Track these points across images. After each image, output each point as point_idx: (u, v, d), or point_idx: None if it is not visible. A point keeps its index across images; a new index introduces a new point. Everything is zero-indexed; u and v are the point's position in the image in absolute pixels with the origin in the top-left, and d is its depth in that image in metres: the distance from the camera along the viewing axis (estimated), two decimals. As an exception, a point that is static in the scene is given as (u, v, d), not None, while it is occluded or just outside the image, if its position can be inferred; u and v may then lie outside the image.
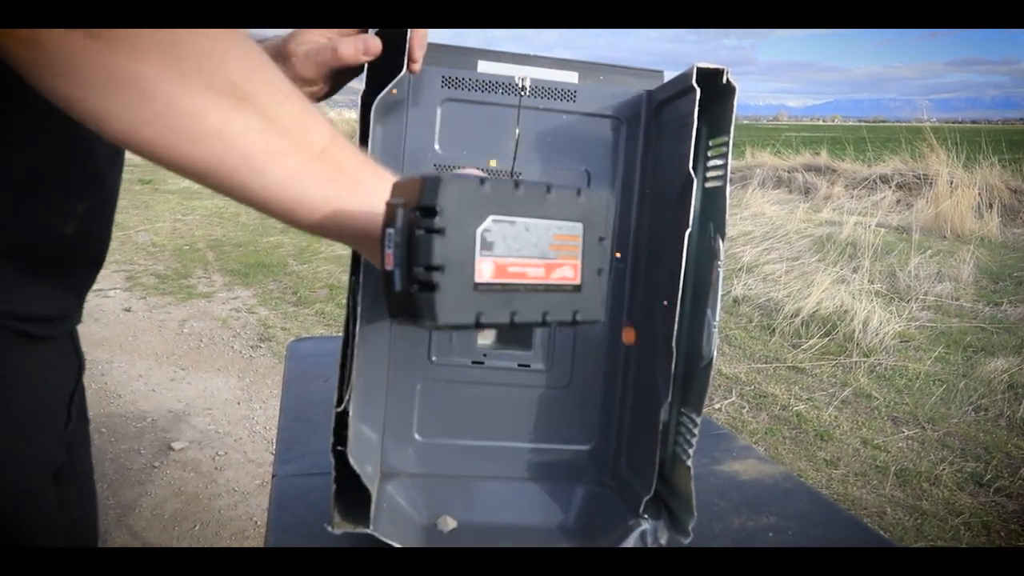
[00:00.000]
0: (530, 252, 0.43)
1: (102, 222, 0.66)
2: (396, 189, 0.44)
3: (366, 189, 0.48)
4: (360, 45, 0.64)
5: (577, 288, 0.46)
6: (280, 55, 0.66)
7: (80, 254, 0.64)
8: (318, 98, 0.69)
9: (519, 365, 0.81)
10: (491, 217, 0.42)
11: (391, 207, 0.43)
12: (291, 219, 0.48)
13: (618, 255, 0.80)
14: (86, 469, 0.77)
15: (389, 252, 0.43)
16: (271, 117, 0.44)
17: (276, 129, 0.44)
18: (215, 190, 0.46)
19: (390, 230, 0.42)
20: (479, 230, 0.41)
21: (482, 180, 0.42)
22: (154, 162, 0.43)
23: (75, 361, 0.69)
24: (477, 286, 0.41)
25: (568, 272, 0.45)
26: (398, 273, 0.42)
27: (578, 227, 0.45)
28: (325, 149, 0.47)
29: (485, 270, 0.42)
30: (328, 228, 0.48)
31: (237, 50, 0.43)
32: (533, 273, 0.44)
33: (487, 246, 0.42)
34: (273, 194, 0.45)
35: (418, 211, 0.40)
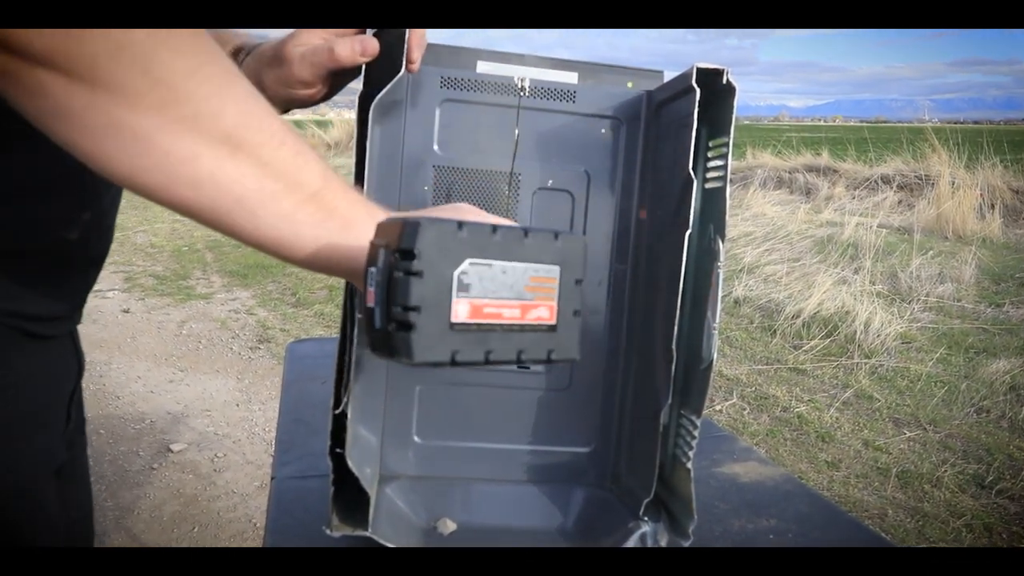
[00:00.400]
0: (506, 294, 0.45)
1: (104, 227, 0.66)
2: (380, 230, 0.46)
3: (358, 229, 0.49)
4: (357, 46, 0.63)
5: (552, 328, 0.47)
6: (277, 57, 0.65)
7: (82, 255, 0.64)
8: (316, 100, 0.69)
9: (519, 367, 0.80)
10: (468, 260, 0.43)
11: (374, 247, 0.45)
12: (285, 257, 0.49)
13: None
14: (84, 469, 0.77)
15: (371, 290, 0.44)
16: (264, 162, 0.45)
17: (270, 173, 0.45)
18: (210, 228, 0.47)
19: (372, 269, 0.44)
20: (456, 273, 0.43)
21: (460, 224, 0.43)
22: (148, 199, 0.45)
23: (75, 360, 0.69)
24: (453, 326, 0.43)
25: (544, 313, 0.47)
26: (378, 311, 0.43)
27: (555, 270, 0.47)
28: (318, 191, 0.48)
29: (461, 311, 0.43)
30: (320, 265, 0.50)
31: (234, 97, 0.44)
32: (509, 314, 0.45)
33: (464, 288, 0.43)
34: (266, 234, 0.47)
35: (398, 253, 0.42)
